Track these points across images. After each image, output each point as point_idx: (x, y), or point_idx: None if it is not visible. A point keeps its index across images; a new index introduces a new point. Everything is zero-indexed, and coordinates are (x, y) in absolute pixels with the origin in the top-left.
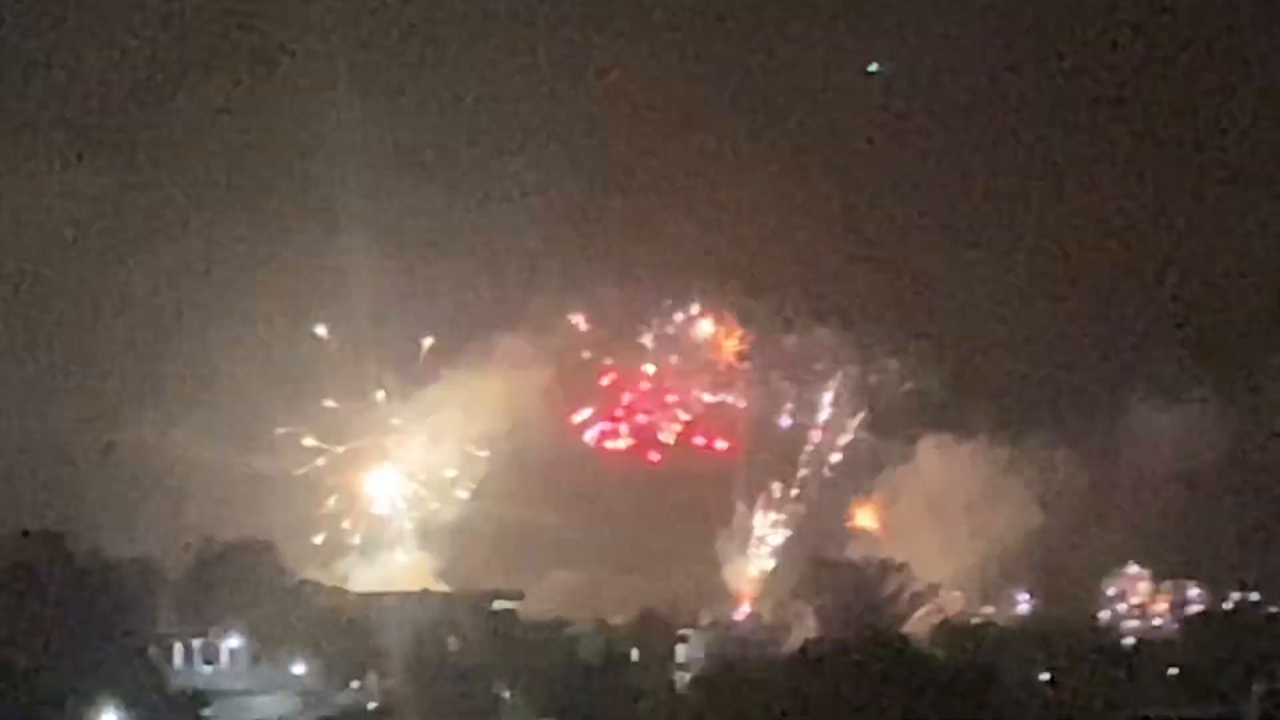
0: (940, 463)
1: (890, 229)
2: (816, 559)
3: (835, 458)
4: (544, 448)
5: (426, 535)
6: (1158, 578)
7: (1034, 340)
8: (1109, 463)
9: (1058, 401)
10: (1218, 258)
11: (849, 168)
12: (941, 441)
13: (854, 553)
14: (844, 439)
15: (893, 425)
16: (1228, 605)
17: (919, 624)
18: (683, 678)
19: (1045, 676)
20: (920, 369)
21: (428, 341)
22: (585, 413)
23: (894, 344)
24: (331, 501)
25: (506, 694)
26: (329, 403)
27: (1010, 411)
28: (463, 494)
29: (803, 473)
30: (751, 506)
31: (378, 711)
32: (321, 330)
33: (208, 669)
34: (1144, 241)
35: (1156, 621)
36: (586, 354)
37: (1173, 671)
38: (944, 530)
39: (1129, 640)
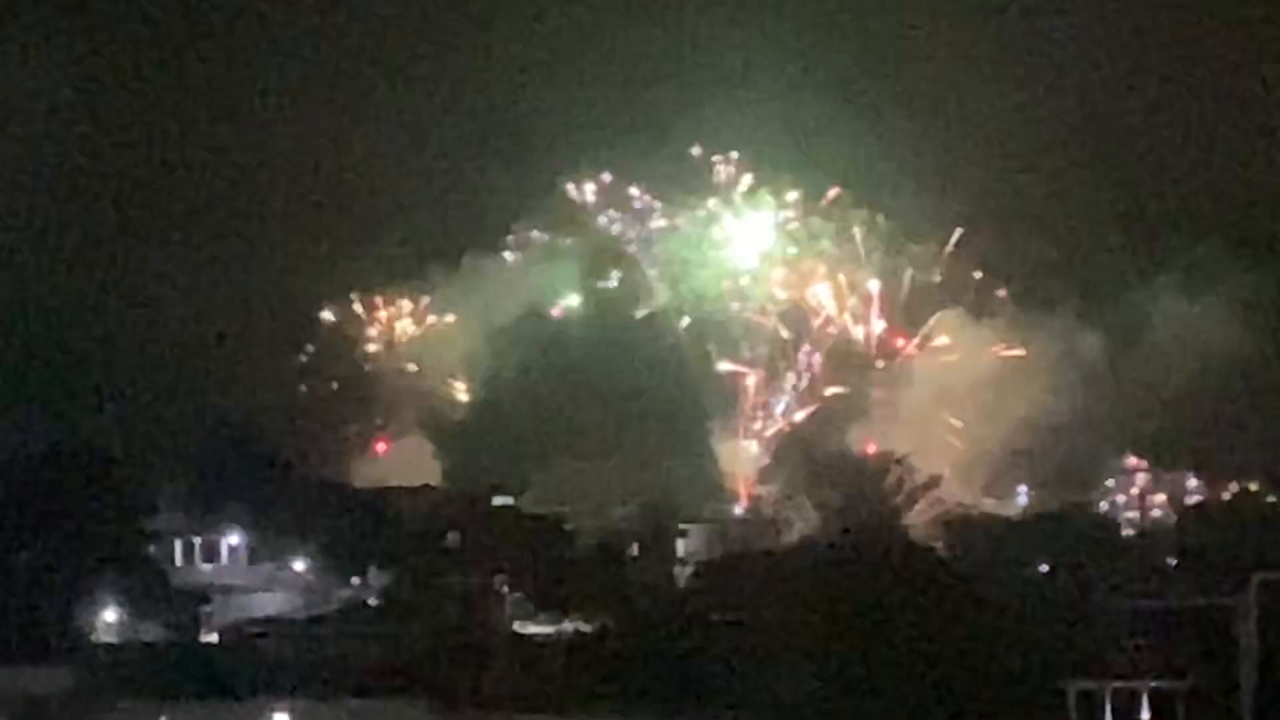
0: (953, 348)
1: (916, 109)
2: (817, 451)
3: (845, 344)
4: (559, 341)
5: (430, 428)
6: (1157, 468)
7: (1063, 224)
8: (1128, 349)
9: (1082, 285)
10: (1258, 151)
11: (875, 54)
12: (956, 325)
13: (857, 444)
14: (857, 326)
15: (910, 311)
16: (1226, 496)
17: (919, 517)
18: (683, 572)
19: (1044, 568)
20: (942, 254)
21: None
22: None
23: (919, 230)
24: (336, 392)
25: (506, 589)
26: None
27: (1032, 298)
28: (471, 386)
29: (808, 360)
30: (754, 396)
31: (377, 608)
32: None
33: (207, 566)
34: (1180, 127)
35: (1156, 512)
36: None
37: (1171, 562)
38: (951, 419)
39: (1128, 531)
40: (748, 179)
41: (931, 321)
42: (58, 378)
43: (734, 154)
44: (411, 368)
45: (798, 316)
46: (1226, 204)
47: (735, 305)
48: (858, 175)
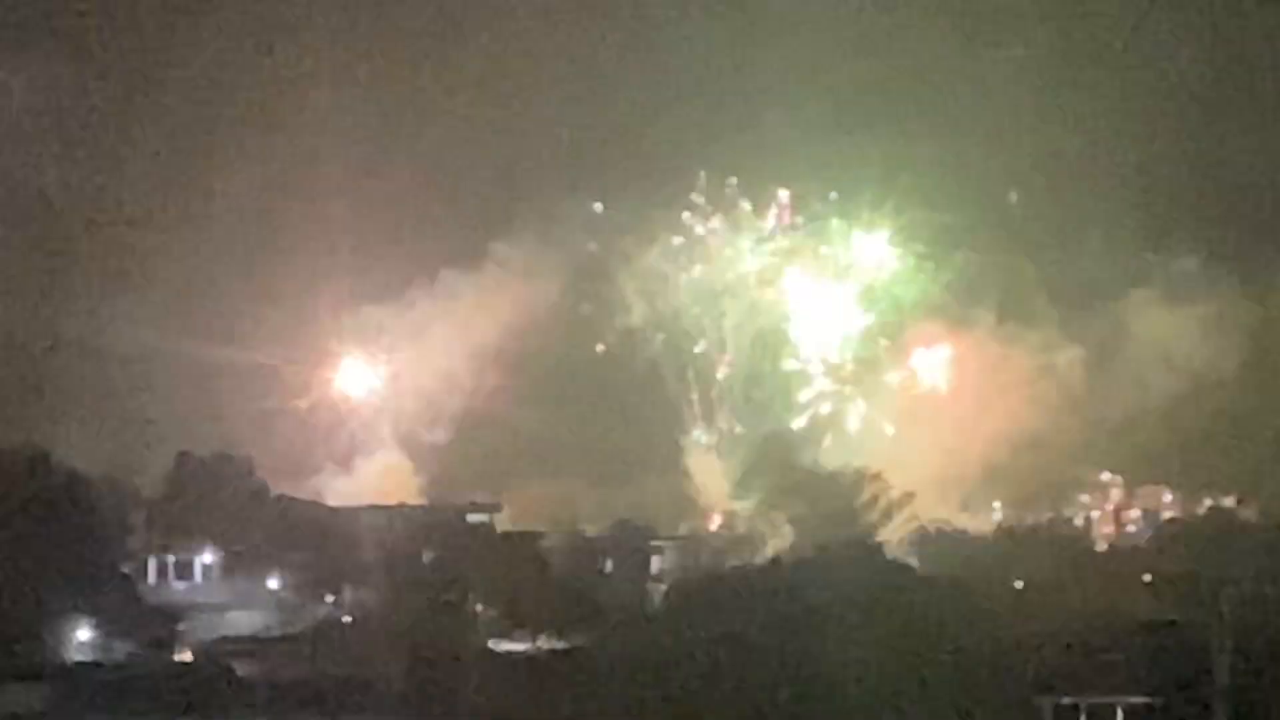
0: (931, 365)
1: (898, 124)
2: (791, 468)
3: (820, 359)
4: (535, 359)
5: (406, 447)
6: (1131, 483)
7: (1041, 239)
8: (1104, 365)
9: (1064, 298)
10: (1236, 168)
11: (855, 72)
12: (933, 340)
13: (831, 460)
14: (833, 340)
15: (887, 326)
16: (1200, 511)
17: (893, 533)
18: (657, 589)
19: (1018, 584)
20: (924, 268)
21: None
22: None
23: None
24: (307, 410)
25: (480, 607)
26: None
27: (1013, 310)
28: (446, 403)
29: (784, 376)
30: (729, 412)
31: (352, 625)
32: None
33: (181, 585)
34: (1157, 143)
35: (1130, 528)
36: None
37: (1145, 578)
38: (925, 434)
39: (1102, 546)
40: (726, 194)
41: (908, 336)
42: (29, 394)
43: (713, 170)
44: (387, 384)
45: (774, 332)
46: (1205, 219)
47: (711, 322)
48: (839, 191)
